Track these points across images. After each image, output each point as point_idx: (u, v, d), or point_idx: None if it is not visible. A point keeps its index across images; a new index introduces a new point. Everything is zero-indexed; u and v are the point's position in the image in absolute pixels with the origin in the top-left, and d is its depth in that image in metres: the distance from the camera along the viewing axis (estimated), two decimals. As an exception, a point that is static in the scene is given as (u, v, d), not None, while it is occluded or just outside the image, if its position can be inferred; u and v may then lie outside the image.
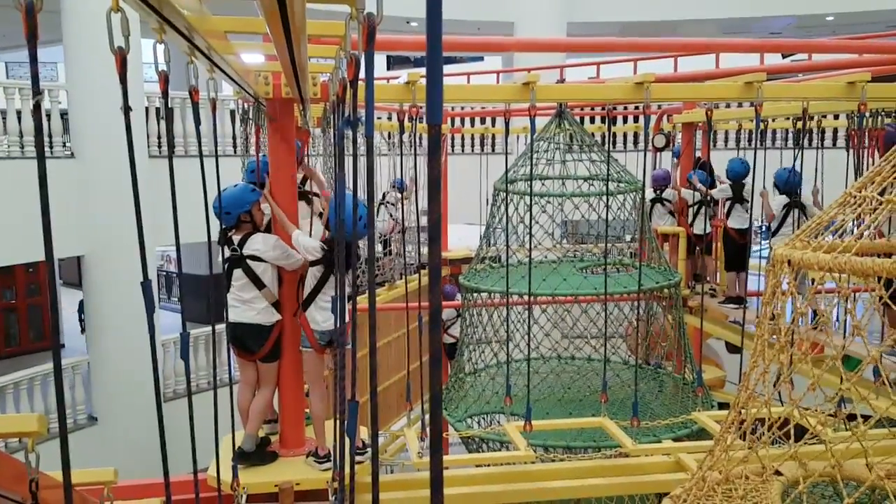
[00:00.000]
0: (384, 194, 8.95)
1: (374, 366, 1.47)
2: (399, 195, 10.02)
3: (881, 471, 2.22)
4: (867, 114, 5.50)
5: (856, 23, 14.55)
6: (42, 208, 1.31)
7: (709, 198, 8.07)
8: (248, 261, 3.97)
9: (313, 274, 3.91)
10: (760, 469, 2.42)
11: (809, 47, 7.15)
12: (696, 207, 8.44)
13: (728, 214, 7.92)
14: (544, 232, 7.04)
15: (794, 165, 5.95)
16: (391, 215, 10.09)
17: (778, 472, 2.47)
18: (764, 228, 6.96)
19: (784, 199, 6.88)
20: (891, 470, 2.39)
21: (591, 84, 6.80)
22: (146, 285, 1.99)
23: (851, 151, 6.17)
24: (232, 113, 11.42)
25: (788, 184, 6.59)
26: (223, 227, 3.99)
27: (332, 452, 4.14)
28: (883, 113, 6.94)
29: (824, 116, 8.83)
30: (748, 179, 8.21)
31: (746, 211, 7.71)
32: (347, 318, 3.89)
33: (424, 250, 10.49)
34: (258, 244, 3.98)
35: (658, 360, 7.07)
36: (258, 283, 3.96)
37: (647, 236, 6.71)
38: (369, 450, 3.47)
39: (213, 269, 3.35)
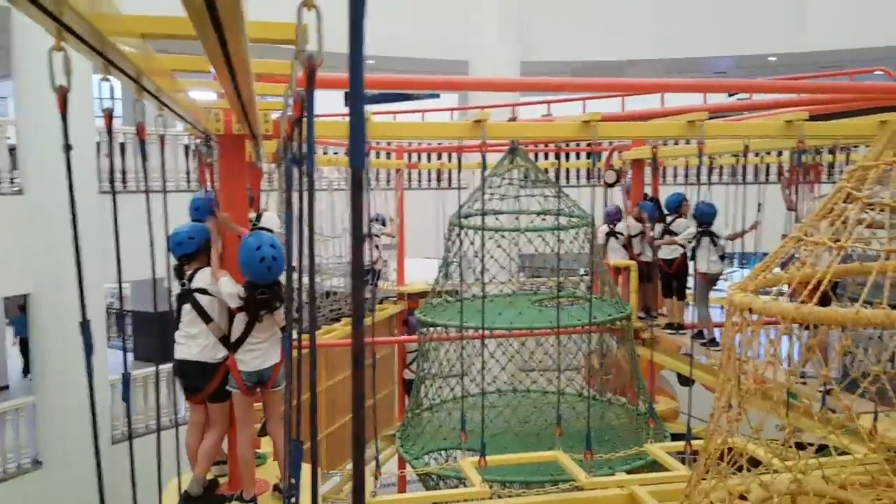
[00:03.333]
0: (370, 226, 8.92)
1: (315, 407, 1.47)
2: (381, 227, 10.05)
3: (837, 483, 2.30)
4: (805, 151, 5.76)
5: (796, 63, 15.19)
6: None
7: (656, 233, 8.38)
8: (196, 294, 3.93)
9: (240, 319, 3.88)
10: (726, 496, 2.47)
11: (751, 87, 7.42)
12: (639, 237, 8.71)
13: (659, 246, 8.27)
14: (499, 266, 7.10)
15: (705, 199, 6.67)
16: (377, 246, 10.11)
17: (743, 497, 2.54)
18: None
19: (694, 229, 7.64)
20: (846, 480, 2.48)
21: (542, 122, 6.95)
22: (85, 325, 1.96)
23: (791, 187, 6.41)
24: (185, 148, 11.32)
25: (704, 215, 7.33)
26: (182, 255, 3.96)
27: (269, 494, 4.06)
28: (823, 150, 7.26)
29: (767, 153, 9.18)
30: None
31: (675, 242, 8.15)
32: (281, 359, 3.87)
33: (382, 285, 10.48)
34: (207, 276, 3.95)
35: (612, 391, 7.14)
36: (206, 316, 3.91)
37: (598, 269, 6.82)
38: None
39: (158, 307, 3.31)
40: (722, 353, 2.62)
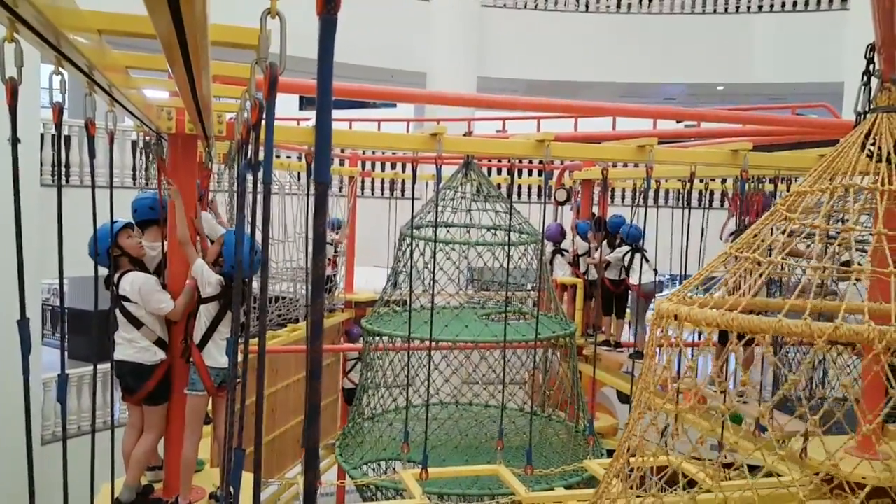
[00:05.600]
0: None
1: (261, 412, 1.46)
2: (334, 235, 9.95)
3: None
4: (749, 179, 5.98)
5: (742, 93, 15.73)
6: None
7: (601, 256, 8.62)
8: (122, 301, 3.84)
9: (207, 311, 3.80)
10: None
11: (699, 116, 7.63)
12: (586, 256, 8.92)
13: (606, 265, 8.49)
14: (448, 278, 7.14)
15: (635, 221, 7.20)
16: (335, 252, 10.02)
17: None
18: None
19: (626, 248, 8.29)
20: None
21: (496, 138, 7.04)
22: (24, 323, 1.90)
23: (732, 212, 6.65)
24: (133, 144, 11.06)
25: (631, 237, 8.03)
26: (108, 269, 3.86)
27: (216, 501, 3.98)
28: (766, 179, 7.52)
29: (713, 179, 9.47)
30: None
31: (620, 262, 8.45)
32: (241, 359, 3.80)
33: (336, 293, 10.36)
34: (126, 284, 3.86)
35: (553, 407, 7.23)
36: (135, 322, 3.83)
37: (545, 286, 6.92)
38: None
39: (98, 304, 3.23)
40: (644, 362, 2.66)
